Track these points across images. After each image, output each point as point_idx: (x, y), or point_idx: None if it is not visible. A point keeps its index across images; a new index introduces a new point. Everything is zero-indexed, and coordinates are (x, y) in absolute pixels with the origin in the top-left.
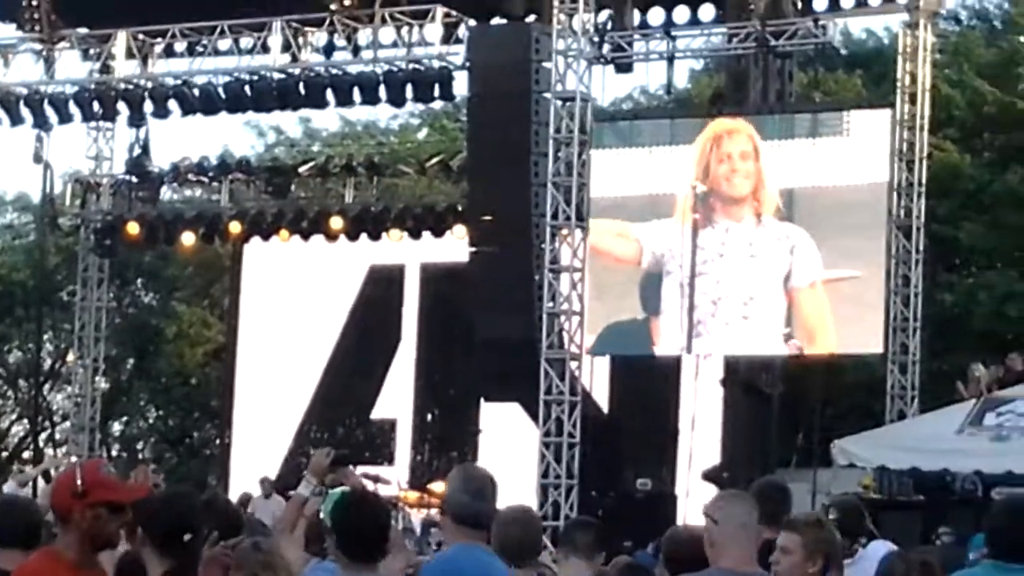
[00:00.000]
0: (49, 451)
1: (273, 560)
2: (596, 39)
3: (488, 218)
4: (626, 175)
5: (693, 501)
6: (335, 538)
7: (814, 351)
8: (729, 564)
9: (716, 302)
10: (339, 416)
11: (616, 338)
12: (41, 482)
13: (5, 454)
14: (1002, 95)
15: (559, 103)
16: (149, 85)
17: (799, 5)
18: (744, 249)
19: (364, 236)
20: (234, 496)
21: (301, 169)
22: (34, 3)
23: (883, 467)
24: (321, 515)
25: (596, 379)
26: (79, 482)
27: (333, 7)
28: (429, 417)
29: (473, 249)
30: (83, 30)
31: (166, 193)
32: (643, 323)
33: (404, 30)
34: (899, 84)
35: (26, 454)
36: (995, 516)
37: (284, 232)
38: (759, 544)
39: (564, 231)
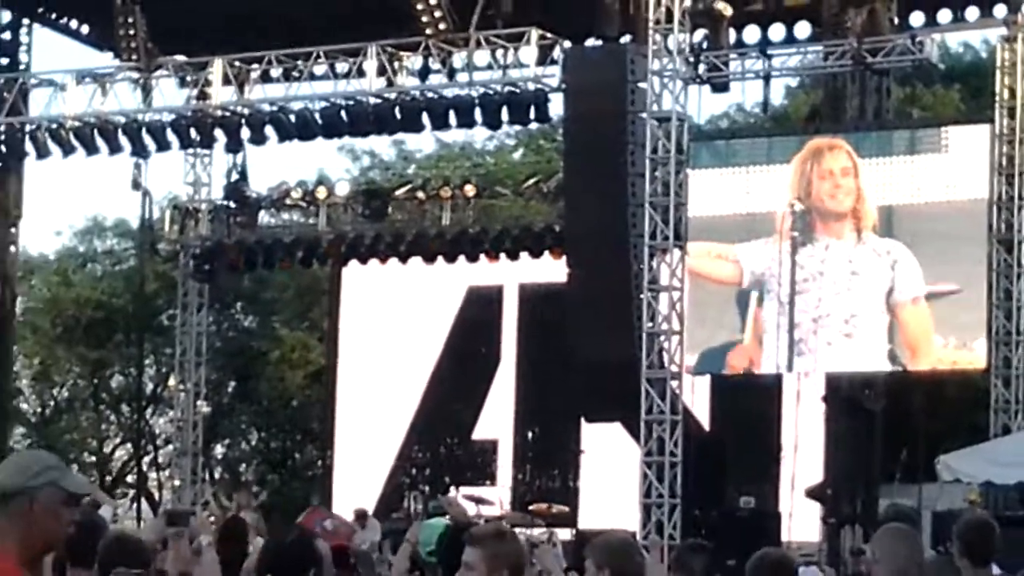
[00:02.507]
0: (152, 475)
1: None
2: (692, 59)
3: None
4: (724, 195)
5: (797, 518)
6: (442, 570)
7: (917, 367)
8: None
9: (817, 320)
10: (440, 437)
11: (717, 359)
12: (147, 508)
13: (109, 478)
14: None
15: (655, 123)
16: (246, 111)
17: (896, 21)
18: (845, 266)
19: (462, 258)
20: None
21: (398, 192)
22: (131, 32)
23: (989, 482)
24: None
25: (697, 398)
26: None
27: (428, 31)
28: (530, 437)
29: (571, 269)
30: (180, 58)
31: (264, 218)
32: (744, 344)
33: (499, 53)
34: (998, 98)
35: (130, 478)
36: None
37: (382, 255)
38: None
39: (662, 251)
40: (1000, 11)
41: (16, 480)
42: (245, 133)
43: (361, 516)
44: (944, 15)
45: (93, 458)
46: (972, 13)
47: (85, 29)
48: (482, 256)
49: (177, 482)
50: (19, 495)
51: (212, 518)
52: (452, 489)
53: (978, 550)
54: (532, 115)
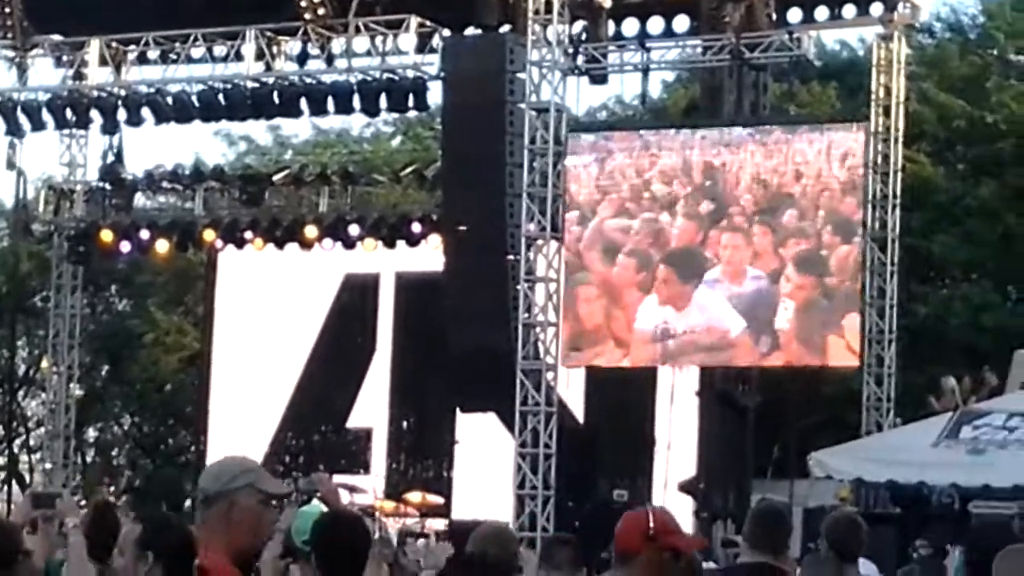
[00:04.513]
0: (24, 457)
1: None
2: (571, 50)
3: (463, 228)
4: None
5: None
6: (316, 559)
7: (791, 357)
8: None
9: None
10: (314, 424)
11: (592, 345)
12: (17, 491)
13: None
14: (972, 109)
15: (533, 114)
16: (122, 93)
17: (773, 17)
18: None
19: (338, 245)
20: None
21: (275, 177)
22: (7, 10)
23: (860, 479)
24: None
25: (572, 390)
26: (651, 525)
27: (307, 16)
28: (405, 426)
29: (447, 259)
30: (56, 37)
31: (140, 200)
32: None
33: (378, 39)
34: (873, 97)
35: (0, 460)
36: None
37: (258, 240)
38: None
39: (539, 242)
40: (876, 9)
41: (214, 485)
42: (121, 114)
43: None
44: (821, 12)
45: None
46: (849, 11)
47: None
48: (358, 244)
49: (48, 465)
50: (219, 499)
51: (83, 502)
52: (325, 475)
53: (845, 547)
54: (411, 103)
